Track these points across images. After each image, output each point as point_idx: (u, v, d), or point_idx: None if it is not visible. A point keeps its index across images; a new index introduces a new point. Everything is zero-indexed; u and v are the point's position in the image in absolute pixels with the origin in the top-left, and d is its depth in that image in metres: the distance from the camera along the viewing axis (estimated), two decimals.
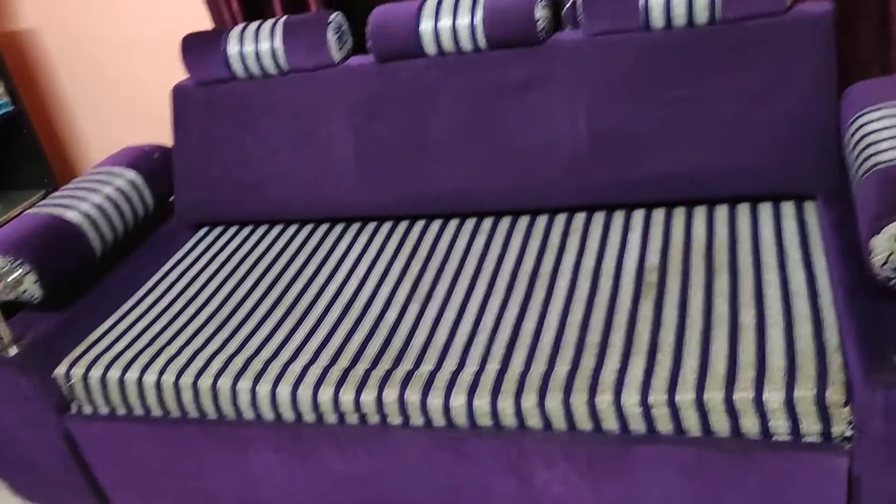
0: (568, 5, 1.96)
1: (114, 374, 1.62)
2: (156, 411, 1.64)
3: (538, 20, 1.77)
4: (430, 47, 1.86)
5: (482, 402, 1.38)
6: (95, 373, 1.64)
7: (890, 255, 1.19)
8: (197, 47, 2.02)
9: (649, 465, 1.32)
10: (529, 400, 1.35)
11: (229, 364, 1.57)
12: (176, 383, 1.58)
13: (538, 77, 1.80)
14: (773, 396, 1.22)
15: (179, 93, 2.10)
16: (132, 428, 1.65)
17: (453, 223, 1.91)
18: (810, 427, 1.22)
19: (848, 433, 1.21)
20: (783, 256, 1.51)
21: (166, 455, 1.66)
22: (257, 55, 1.97)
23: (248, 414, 1.56)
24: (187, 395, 1.58)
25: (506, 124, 1.83)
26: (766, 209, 1.67)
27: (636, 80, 1.73)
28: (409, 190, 1.91)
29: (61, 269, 1.79)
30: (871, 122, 1.44)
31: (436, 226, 1.92)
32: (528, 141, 1.81)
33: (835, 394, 1.19)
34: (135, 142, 2.64)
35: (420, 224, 1.94)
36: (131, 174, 2.05)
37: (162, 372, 1.59)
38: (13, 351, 1.68)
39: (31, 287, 1.73)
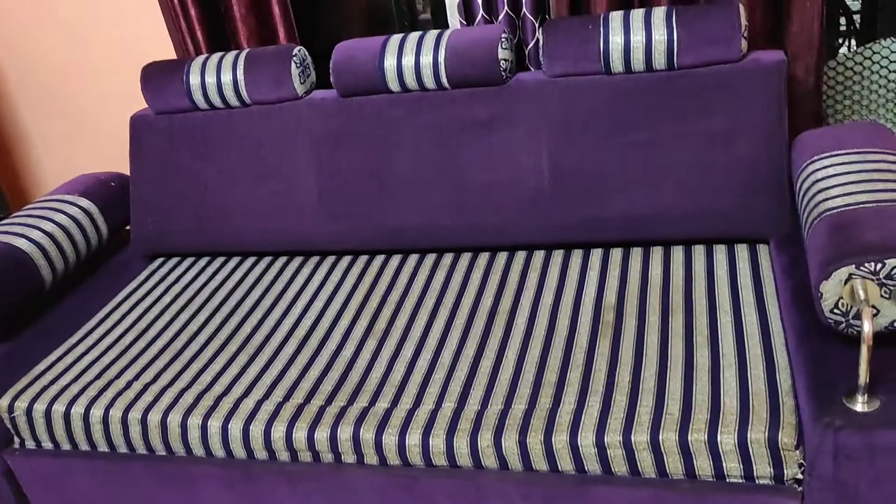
0: (531, 46, 2.00)
1: (59, 407, 1.57)
2: (102, 447, 1.59)
3: (501, 60, 1.79)
4: (393, 84, 1.87)
5: (438, 441, 1.37)
6: (40, 406, 1.59)
7: (838, 300, 1.21)
8: (157, 77, 2.01)
9: None
10: (485, 439, 1.34)
11: (179, 399, 1.53)
12: (123, 418, 1.53)
13: (501, 116, 1.82)
14: (727, 438, 1.23)
15: (138, 122, 2.08)
16: (77, 464, 1.60)
17: (413, 258, 1.91)
18: (763, 469, 1.23)
19: (799, 475, 1.22)
20: (737, 298, 1.53)
21: (112, 492, 1.61)
22: (219, 86, 1.96)
23: (198, 450, 1.52)
24: (135, 431, 1.54)
25: (468, 162, 1.84)
26: (721, 251, 1.70)
27: (597, 122, 1.76)
28: (370, 224, 1.91)
29: (8, 298, 1.74)
30: (821, 168, 1.48)
31: (396, 261, 1.91)
32: (489, 179, 1.83)
33: (786, 436, 1.20)
34: (92, 170, 2.60)
35: (380, 259, 1.93)
36: (85, 202, 2.01)
37: (109, 406, 1.55)
38: None
39: None
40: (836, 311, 1.23)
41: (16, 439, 1.65)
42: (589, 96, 1.76)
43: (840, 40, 2.16)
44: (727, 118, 1.68)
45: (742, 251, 1.69)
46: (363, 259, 1.95)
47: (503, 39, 1.79)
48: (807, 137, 1.66)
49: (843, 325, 1.24)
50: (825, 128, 1.70)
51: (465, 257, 1.88)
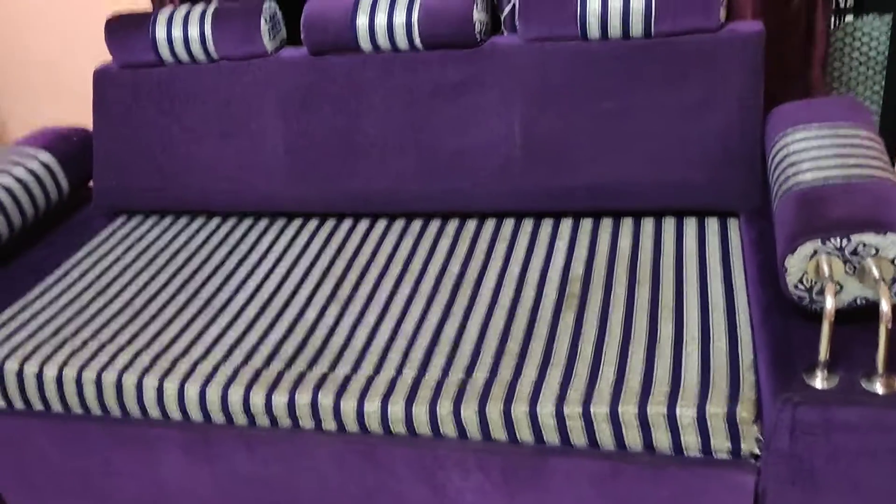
0: (507, 9, 1.95)
1: (11, 365, 1.54)
2: (56, 407, 1.56)
3: (475, 22, 1.74)
4: (364, 43, 1.82)
5: (397, 409, 1.35)
6: None
7: (803, 275, 1.20)
8: (122, 29, 1.94)
9: (563, 477, 1.31)
10: (445, 407, 1.33)
11: (136, 360, 1.50)
12: (78, 378, 1.50)
13: (474, 79, 1.78)
14: (686, 412, 1.22)
15: (102, 75, 2.01)
16: (31, 424, 1.57)
17: (381, 223, 1.88)
18: (720, 444, 1.23)
19: (756, 450, 1.21)
20: (705, 272, 1.52)
21: (67, 454, 1.58)
22: (186, 41, 1.90)
23: (155, 413, 1.49)
24: (90, 391, 1.50)
25: (439, 126, 1.80)
26: (691, 224, 1.69)
27: (571, 88, 1.72)
28: (338, 187, 1.87)
29: None
30: (794, 142, 1.46)
31: (363, 225, 1.88)
32: (460, 143, 1.79)
33: (745, 411, 1.19)
34: (57, 123, 2.53)
35: (347, 223, 1.90)
36: (46, 156, 1.95)
37: (63, 365, 1.51)
38: None
39: None
40: (800, 286, 1.22)
41: None
42: (564, 62, 1.72)
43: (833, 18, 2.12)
44: (702, 88, 1.66)
45: (712, 224, 1.67)
46: (330, 223, 1.91)
47: (478, 1, 1.75)
48: (782, 110, 1.64)
49: (807, 300, 1.23)
50: (800, 101, 1.68)
51: (434, 224, 1.85)
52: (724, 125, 1.65)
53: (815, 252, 1.18)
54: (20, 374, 1.54)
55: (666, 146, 1.67)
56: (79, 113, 2.46)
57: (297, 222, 1.93)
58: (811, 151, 1.40)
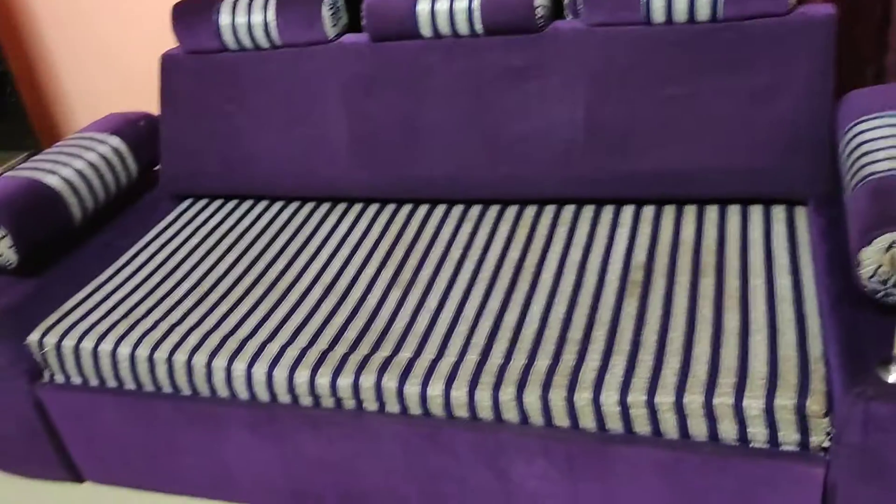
0: None
1: (87, 344, 1.60)
2: (129, 384, 1.61)
3: (537, 7, 1.73)
4: (425, 29, 1.82)
5: (459, 393, 1.37)
6: (69, 342, 1.61)
7: (878, 267, 1.18)
8: (188, 15, 1.98)
9: (627, 466, 1.31)
10: (507, 393, 1.34)
11: (205, 341, 1.54)
12: (150, 357, 1.55)
13: (536, 65, 1.77)
14: (753, 403, 1.21)
15: (169, 61, 2.06)
16: (104, 399, 1.63)
17: (441, 209, 1.89)
18: (788, 436, 1.22)
19: (826, 444, 1.20)
20: (771, 261, 1.50)
21: (137, 429, 1.64)
22: (249, 27, 1.93)
23: (223, 392, 1.54)
24: (161, 370, 1.55)
25: (501, 111, 1.80)
26: (756, 212, 1.66)
27: (635, 73, 1.70)
28: (399, 173, 1.88)
29: (38, 234, 1.75)
30: (868, 130, 1.43)
31: (423, 210, 1.89)
32: (522, 129, 1.79)
33: (815, 404, 1.18)
34: (122, 108, 2.60)
35: (408, 208, 1.92)
36: (115, 141, 2.00)
37: (136, 345, 1.56)
38: None
39: (6, 252, 1.69)
40: (874, 278, 1.19)
41: (45, 373, 1.68)
42: (628, 47, 1.70)
43: None
44: (771, 74, 1.62)
45: (778, 212, 1.65)
46: (391, 207, 1.93)
47: None
48: (854, 97, 1.60)
49: (882, 293, 1.20)
50: (873, 87, 1.63)
51: (494, 209, 1.85)
52: (793, 111, 1.61)
53: (892, 245, 1.16)
54: (95, 353, 1.59)
55: (732, 132, 1.64)
56: (144, 99, 2.52)
57: (357, 207, 1.96)
58: (886, 140, 1.36)
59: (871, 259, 1.18)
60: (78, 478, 1.82)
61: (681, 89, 1.68)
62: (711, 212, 1.69)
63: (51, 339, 1.62)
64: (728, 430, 1.24)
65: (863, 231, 1.19)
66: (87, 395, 1.64)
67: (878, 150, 1.35)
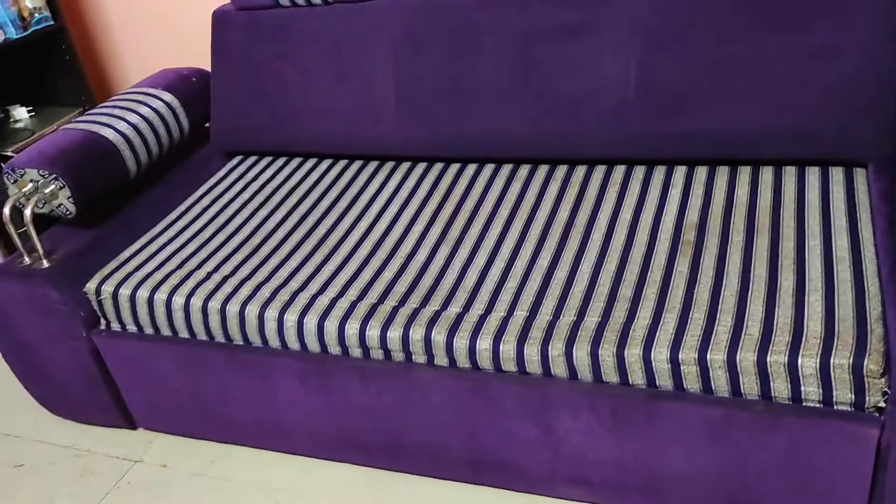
0: None
1: (143, 293, 1.63)
2: (183, 333, 1.65)
3: None
4: None
5: (508, 348, 1.37)
6: (125, 291, 1.65)
7: None
8: None
9: (675, 422, 1.31)
10: (556, 349, 1.34)
11: (257, 292, 1.57)
12: (204, 307, 1.58)
13: (588, 22, 1.75)
14: (808, 362, 1.19)
15: (220, 17, 2.07)
16: (159, 348, 1.67)
17: (489, 167, 1.88)
18: (843, 395, 1.20)
19: (881, 404, 1.18)
20: (828, 222, 1.47)
21: (191, 377, 1.68)
22: None
23: (274, 342, 1.56)
24: (214, 320, 1.59)
25: (552, 69, 1.78)
26: (813, 173, 1.63)
27: (690, 32, 1.67)
28: (447, 130, 1.88)
29: (95, 185, 1.79)
30: None
31: (471, 169, 1.89)
32: (573, 87, 1.77)
33: (873, 363, 1.16)
34: (174, 64, 2.62)
35: (456, 166, 1.92)
36: (168, 96, 2.03)
37: (190, 295, 1.60)
38: (45, 264, 1.69)
39: (64, 202, 1.74)
40: None
41: (102, 321, 1.73)
42: (684, 4, 1.67)
43: None
44: (832, 32, 1.58)
45: (837, 174, 1.61)
46: (438, 166, 1.93)
47: None
48: None
49: None
50: None
51: (543, 169, 1.84)
52: (855, 71, 1.57)
53: None
54: (150, 302, 1.63)
55: (790, 93, 1.60)
56: (198, 55, 2.55)
57: (405, 165, 1.96)
58: None
59: None
60: (132, 424, 1.87)
61: (738, 48, 1.64)
62: (767, 173, 1.66)
63: (108, 288, 1.66)
64: (781, 388, 1.23)
65: None
66: (142, 343, 1.68)
67: None
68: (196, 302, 1.59)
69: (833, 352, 1.19)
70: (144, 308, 1.64)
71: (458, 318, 1.43)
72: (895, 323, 1.18)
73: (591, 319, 1.37)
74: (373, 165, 1.99)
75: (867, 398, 1.19)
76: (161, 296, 1.62)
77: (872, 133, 1.57)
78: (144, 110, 1.95)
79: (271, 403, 1.64)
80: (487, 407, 1.44)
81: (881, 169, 1.55)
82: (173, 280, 1.64)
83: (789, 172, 1.65)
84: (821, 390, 1.21)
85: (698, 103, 1.67)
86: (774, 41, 1.61)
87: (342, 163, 2.02)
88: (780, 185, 1.61)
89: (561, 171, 1.82)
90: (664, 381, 1.30)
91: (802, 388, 1.22)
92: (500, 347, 1.38)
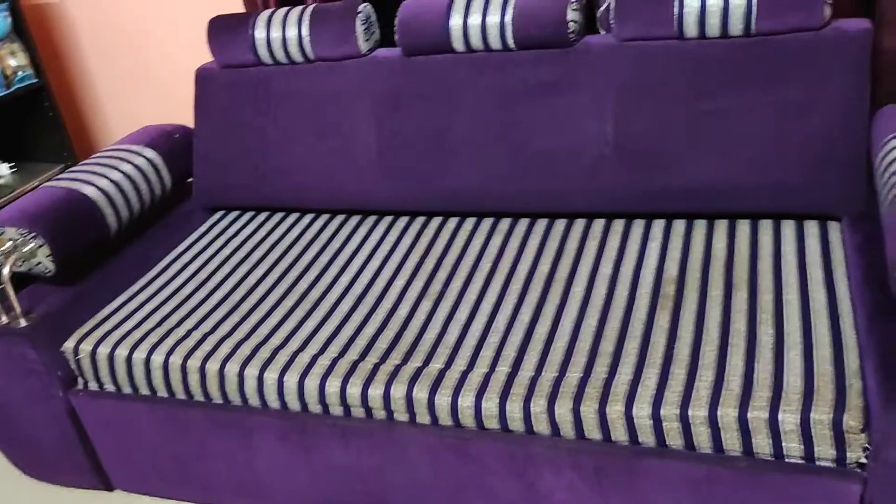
0: (602, 8, 1.94)
1: (122, 352, 1.62)
2: (161, 392, 1.63)
3: (569, 22, 1.75)
4: (458, 44, 1.84)
5: (490, 404, 1.36)
6: (103, 350, 1.63)
7: None
8: (224, 30, 2.02)
9: (658, 480, 1.30)
10: (539, 405, 1.34)
11: (237, 350, 1.56)
12: (183, 365, 1.57)
13: (566, 80, 1.78)
14: (789, 417, 1.20)
15: (204, 75, 2.09)
16: (137, 407, 1.64)
17: (471, 222, 1.90)
18: (824, 451, 1.20)
19: (863, 459, 1.18)
20: (805, 276, 1.49)
21: (169, 437, 1.66)
22: (284, 42, 1.96)
23: (254, 401, 1.55)
24: (194, 379, 1.57)
25: (531, 125, 1.81)
26: (789, 227, 1.65)
27: (666, 89, 1.71)
28: (429, 186, 1.90)
29: (75, 243, 1.78)
30: None
31: (453, 223, 1.90)
32: (552, 143, 1.80)
33: (852, 419, 1.16)
34: (157, 121, 2.64)
35: (437, 221, 1.93)
36: (150, 153, 2.04)
37: (169, 353, 1.58)
38: (23, 323, 1.67)
39: (43, 260, 1.72)
40: None
41: (80, 380, 1.70)
42: (659, 62, 1.71)
43: None
44: (804, 89, 1.62)
45: (811, 227, 1.63)
46: (420, 220, 1.94)
47: (572, 1, 1.75)
48: (889, 112, 1.59)
49: None
50: None
51: (523, 223, 1.86)
52: (827, 126, 1.61)
53: None
54: (129, 360, 1.61)
55: (765, 147, 1.63)
56: (179, 112, 2.57)
57: (387, 219, 1.97)
58: None
59: None
60: (108, 486, 1.83)
61: (712, 104, 1.67)
62: (743, 226, 1.68)
63: (86, 347, 1.65)
64: (763, 444, 1.23)
65: None
66: (120, 402, 1.66)
67: None
68: (175, 360, 1.58)
69: (813, 407, 1.19)
70: (123, 367, 1.62)
71: (441, 375, 1.43)
72: (873, 377, 1.19)
73: (573, 375, 1.37)
74: (355, 220, 2.00)
75: (848, 454, 1.19)
76: (140, 354, 1.60)
77: (845, 188, 1.60)
78: (126, 167, 1.96)
79: (251, 463, 1.61)
80: (470, 465, 1.42)
81: (856, 222, 1.57)
82: (152, 338, 1.63)
83: (765, 226, 1.67)
84: (802, 446, 1.21)
85: (675, 158, 1.70)
86: (747, 97, 1.65)
87: (324, 218, 2.03)
88: (757, 239, 1.63)
89: (541, 225, 1.84)
90: (646, 437, 1.29)
91: (784, 444, 1.22)
92: (483, 404, 1.37)
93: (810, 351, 1.30)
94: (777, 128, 1.63)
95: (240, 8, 2.35)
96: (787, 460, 1.23)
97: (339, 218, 2.02)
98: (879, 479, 1.15)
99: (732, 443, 1.25)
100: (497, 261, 1.73)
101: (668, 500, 1.31)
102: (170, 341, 1.61)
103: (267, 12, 2.00)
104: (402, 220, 1.96)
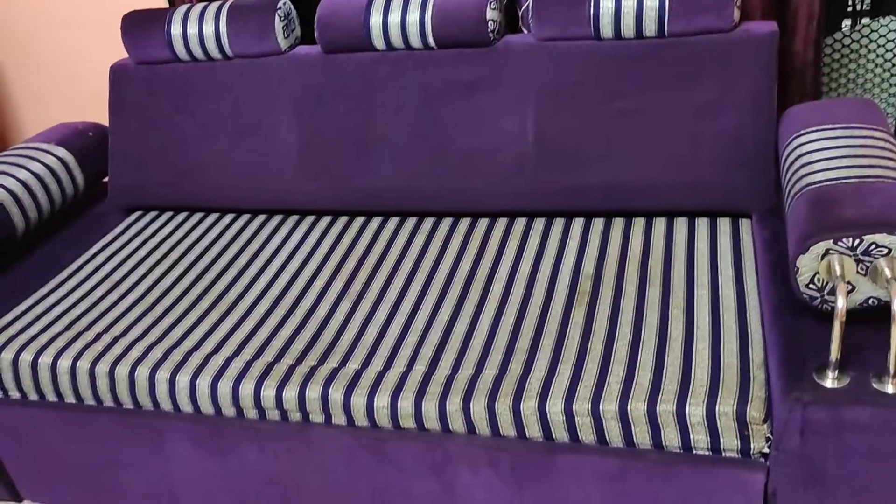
0: (524, 8, 1.95)
1: (26, 357, 1.55)
2: (69, 398, 1.57)
3: (488, 21, 1.75)
4: (378, 42, 1.83)
5: (406, 404, 1.35)
6: (7, 355, 1.57)
7: (814, 274, 1.20)
8: (138, 26, 1.96)
9: (572, 474, 1.31)
10: (454, 403, 1.33)
11: (149, 353, 1.51)
12: (91, 370, 1.51)
13: (487, 79, 1.79)
14: (695, 411, 1.22)
15: (118, 71, 2.03)
16: (44, 415, 1.58)
17: (393, 221, 1.88)
18: (730, 442, 1.22)
19: (766, 450, 1.21)
20: (716, 272, 1.52)
21: (78, 444, 1.60)
22: (201, 38, 1.92)
23: (166, 405, 1.50)
24: (103, 383, 1.52)
25: (452, 124, 1.81)
26: (703, 224, 1.69)
27: (584, 88, 1.72)
28: (350, 185, 1.88)
29: None
30: (807, 143, 1.46)
31: (375, 223, 1.89)
32: (473, 142, 1.80)
33: (754, 410, 1.19)
34: (72, 118, 2.56)
35: (359, 221, 1.91)
36: (62, 152, 1.97)
37: (77, 358, 1.53)
38: None
39: None
40: (811, 285, 1.21)
41: None
42: (577, 62, 1.73)
43: (846, 21, 2.10)
44: (715, 89, 1.66)
45: (724, 225, 1.67)
46: (342, 220, 1.92)
47: (492, 0, 1.75)
48: (795, 111, 1.63)
49: (818, 300, 1.22)
50: (814, 102, 1.67)
51: (446, 222, 1.85)
52: (737, 126, 1.64)
53: (827, 252, 1.18)
54: (34, 366, 1.55)
55: (679, 146, 1.67)
56: (94, 110, 2.49)
57: (309, 219, 1.94)
58: (824, 152, 1.40)
59: (807, 266, 1.20)
60: (16, 497, 1.76)
61: (629, 104, 1.70)
62: (659, 224, 1.71)
63: None
64: (671, 437, 1.25)
65: (800, 239, 1.21)
66: (26, 410, 1.59)
67: (815, 161, 1.38)
68: (83, 365, 1.52)
69: (718, 399, 1.21)
70: (28, 373, 1.56)
71: (357, 375, 1.41)
72: (776, 369, 1.22)
73: (489, 373, 1.37)
74: (275, 220, 1.96)
75: (752, 444, 1.22)
76: (46, 359, 1.54)
77: (755, 185, 1.64)
78: (35, 166, 1.89)
79: (164, 469, 1.57)
80: (387, 466, 1.41)
81: (764, 219, 1.61)
82: (59, 342, 1.57)
83: (680, 223, 1.70)
84: (709, 438, 1.23)
85: (593, 158, 1.72)
86: (662, 97, 1.68)
87: (244, 217, 1.99)
88: (672, 236, 1.66)
89: (464, 224, 1.84)
90: (560, 433, 1.30)
91: (692, 437, 1.24)
92: (399, 404, 1.36)
93: (718, 345, 1.33)
94: (690, 127, 1.66)
95: (158, 3, 2.29)
96: (695, 452, 1.25)
97: (260, 218, 1.98)
98: (781, 468, 1.18)
99: (643, 436, 1.26)
100: (419, 260, 1.72)
101: (583, 494, 1.32)
102: (78, 345, 1.55)
103: (183, 8, 1.95)
104: (325, 220, 1.93)
